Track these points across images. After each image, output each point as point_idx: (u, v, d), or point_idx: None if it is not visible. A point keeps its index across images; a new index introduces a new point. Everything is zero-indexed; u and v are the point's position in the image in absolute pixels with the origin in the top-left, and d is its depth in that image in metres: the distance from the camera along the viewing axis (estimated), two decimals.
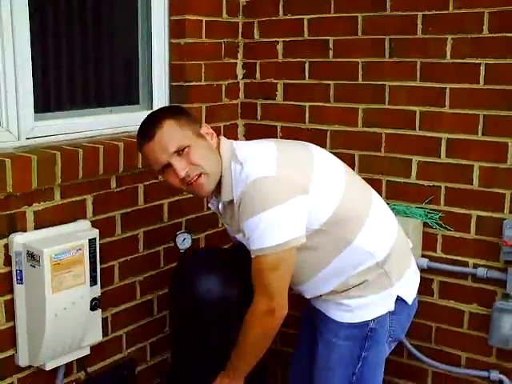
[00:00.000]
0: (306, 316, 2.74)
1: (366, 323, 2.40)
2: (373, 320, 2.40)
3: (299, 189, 2.27)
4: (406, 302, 2.46)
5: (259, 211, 2.21)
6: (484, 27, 2.83)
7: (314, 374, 2.54)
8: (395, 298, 2.42)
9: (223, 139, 2.46)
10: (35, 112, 2.73)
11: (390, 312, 2.42)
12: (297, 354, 2.82)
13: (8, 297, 2.56)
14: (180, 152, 2.30)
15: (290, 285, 2.35)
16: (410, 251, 2.58)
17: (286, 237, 2.23)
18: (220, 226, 3.43)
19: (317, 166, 2.38)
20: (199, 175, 2.32)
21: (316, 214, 2.30)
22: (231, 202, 2.36)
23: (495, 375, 3.01)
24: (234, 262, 2.61)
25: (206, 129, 2.42)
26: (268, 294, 2.29)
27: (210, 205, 2.59)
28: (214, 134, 2.44)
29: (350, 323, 2.41)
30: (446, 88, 2.96)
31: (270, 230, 2.22)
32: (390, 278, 2.40)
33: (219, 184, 2.38)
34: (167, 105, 3.27)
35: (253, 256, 2.28)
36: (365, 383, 2.46)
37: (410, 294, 2.48)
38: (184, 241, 2.80)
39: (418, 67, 3.01)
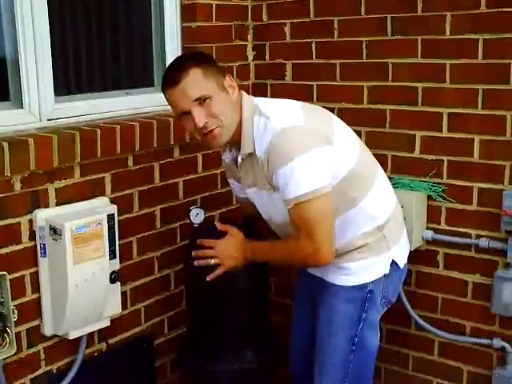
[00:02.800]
0: (300, 291, 2.83)
1: (365, 285, 2.49)
2: (371, 282, 2.50)
3: (326, 139, 2.34)
4: (398, 266, 2.56)
5: (291, 159, 2.24)
6: (481, 3, 2.88)
7: (317, 342, 2.60)
8: (390, 261, 2.53)
9: (245, 94, 2.48)
10: (55, 95, 2.82)
11: (384, 275, 2.52)
12: (296, 332, 2.87)
13: (33, 269, 2.67)
14: (201, 101, 2.33)
15: None
16: (403, 220, 2.69)
17: (321, 182, 2.28)
18: (234, 203, 3.52)
19: (336, 124, 2.49)
20: (216, 127, 2.36)
21: (336, 166, 2.36)
22: (250, 154, 2.40)
23: (498, 342, 3.07)
24: (247, 234, 2.66)
25: (229, 81, 2.43)
26: (314, 241, 2.33)
27: (223, 157, 2.64)
28: (236, 88, 2.45)
29: (350, 286, 2.50)
30: (445, 64, 3.01)
31: (304, 177, 2.26)
32: (388, 242, 2.50)
33: (237, 137, 2.42)
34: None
35: (291, 205, 2.31)
36: (365, 343, 2.55)
37: (403, 259, 2.60)
38: (197, 215, 2.84)
39: (419, 44, 3.07)
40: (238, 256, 2.57)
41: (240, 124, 2.41)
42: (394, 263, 2.54)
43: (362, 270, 2.49)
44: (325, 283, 2.55)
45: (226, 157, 2.61)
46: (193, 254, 2.66)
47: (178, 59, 2.53)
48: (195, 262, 2.64)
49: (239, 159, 2.47)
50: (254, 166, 2.41)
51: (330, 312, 2.54)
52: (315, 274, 2.61)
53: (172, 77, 2.36)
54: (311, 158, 2.27)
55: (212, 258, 2.60)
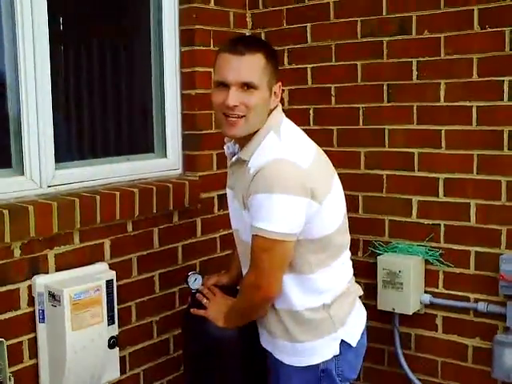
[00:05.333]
0: None
1: (315, 366, 2.37)
2: (322, 362, 2.37)
3: (317, 194, 2.23)
4: (350, 345, 2.40)
5: (275, 191, 2.15)
6: (474, 72, 2.97)
7: None
8: (339, 342, 2.38)
9: (279, 109, 2.40)
10: (56, 161, 2.87)
11: (334, 356, 2.37)
12: None
13: (31, 335, 2.67)
14: (245, 87, 2.24)
15: None
16: (356, 298, 2.53)
17: (290, 229, 2.19)
18: None
19: (335, 186, 2.38)
20: (241, 116, 2.26)
21: (314, 226, 2.26)
22: (244, 162, 2.32)
23: None
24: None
25: (277, 88, 2.35)
26: (258, 271, 2.27)
27: (225, 147, 2.56)
28: (279, 98, 2.37)
29: (300, 367, 2.39)
30: (441, 130, 3.08)
31: (278, 214, 2.18)
32: (335, 323, 2.37)
33: (248, 139, 2.33)
34: (180, 152, 3.41)
35: (254, 232, 2.22)
36: None
37: (355, 337, 2.43)
38: (195, 281, 2.82)
39: (415, 111, 3.14)
40: (218, 312, 2.54)
41: (258, 131, 2.33)
42: (344, 342, 2.38)
43: (308, 352, 2.38)
44: (276, 361, 2.45)
45: (228, 147, 2.52)
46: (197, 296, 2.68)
47: (253, 37, 2.48)
48: (191, 310, 2.65)
49: (233, 159, 2.41)
50: (241, 173, 2.34)
51: None
52: (267, 349, 2.51)
53: (238, 46, 2.26)
54: (290, 201, 2.16)
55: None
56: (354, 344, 2.42)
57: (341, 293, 2.41)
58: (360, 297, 2.58)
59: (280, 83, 2.36)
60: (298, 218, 2.21)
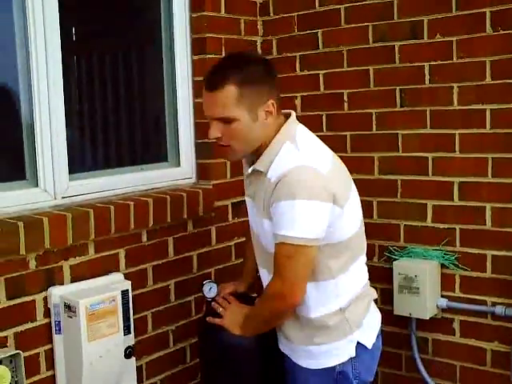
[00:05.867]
0: None
1: (332, 368, 2.38)
2: (338, 365, 2.38)
3: (339, 198, 2.24)
4: (366, 347, 2.42)
5: (298, 197, 2.16)
6: (487, 75, 2.96)
7: None
8: (355, 344, 2.39)
9: (292, 119, 2.38)
10: (69, 172, 2.88)
11: (351, 358, 2.39)
12: None
13: (48, 346, 2.69)
14: (222, 120, 2.27)
15: None
16: (371, 301, 2.53)
17: (314, 234, 2.20)
18: None
19: (353, 191, 2.40)
20: (226, 145, 2.31)
21: (335, 230, 2.27)
22: (261, 173, 2.33)
23: None
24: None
25: (268, 106, 2.29)
26: (283, 280, 2.26)
27: (244, 170, 2.56)
28: (274, 114, 2.31)
29: (317, 369, 2.40)
30: (455, 134, 3.07)
31: (301, 220, 2.18)
32: (351, 325, 2.39)
33: (260, 151, 2.33)
34: (194, 161, 3.42)
35: (278, 240, 2.22)
36: None
37: (370, 339, 2.45)
38: (210, 290, 2.83)
39: (428, 115, 3.13)
40: (234, 321, 2.52)
41: (268, 142, 2.32)
42: (360, 344, 2.40)
43: (325, 354, 2.39)
44: (294, 364, 2.47)
45: (245, 168, 2.53)
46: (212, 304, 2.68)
47: (227, 60, 2.44)
48: (207, 318, 2.64)
49: (249, 170, 2.40)
50: (260, 183, 2.34)
51: None
52: (285, 353, 2.52)
53: (210, 80, 2.29)
54: (314, 207, 2.18)
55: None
56: (369, 346, 2.43)
57: (357, 296, 2.42)
58: (375, 301, 2.57)
59: (271, 101, 2.29)
60: (321, 222, 2.22)
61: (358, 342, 2.40)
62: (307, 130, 2.43)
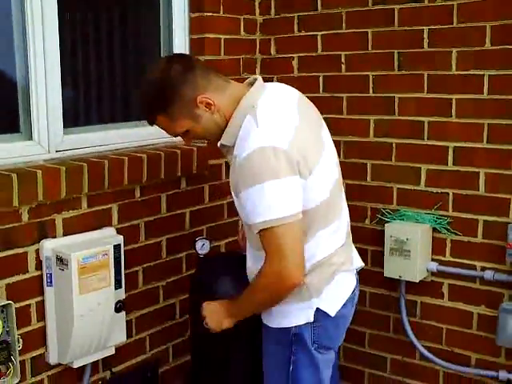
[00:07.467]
0: None
1: (287, 329, 2.38)
2: (294, 327, 2.37)
3: (303, 168, 2.19)
4: (328, 315, 2.38)
5: (265, 179, 2.13)
6: (486, 40, 2.93)
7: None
8: (314, 309, 2.36)
9: (256, 85, 2.33)
10: (64, 126, 2.87)
11: (309, 322, 2.37)
12: None
13: (39, 298, 2.70)
14: (182, 134, 2.40)
15: None
16: (336, 267, 2.42)
17: (293, 209, 2.16)
18: None
19: (322, 159, 2.32)
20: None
21: (308, 197, 2.23)
22: (229, 148, 2.32)
23: (504, 375, 3.07)
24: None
25: (201, 102, 2.28)
26: (281, 256, 2.18)
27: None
28: (212, 102, 2.28)
29: (274, 328, 2.42)
30: (451, 99, 3.06)
31: (276, 201, 2.15)
32: (310, 292, 2.35)
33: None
34: None
35: (257, 229, 2.19)
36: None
37: (334, 307, 2.40)
38: (203, 246, 2.85)
39: (426, 79, 3.12)
40: (218, 319, 2.49)
41: (229, 117, 2.32)
42: (321, 311, 2.36)
43: (282, 315, 2.39)
44: (261, 320, 2.49)
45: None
46: None
47: (141, 91, 2.42)
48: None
49: (218, 144, 2.38)
50: (231, 159, 2.31)
51: (264, 354, 2.53)
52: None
53: (144, 117, 2.42)
54: (282, 184, 2.15)
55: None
56: (332, 314, 2.39)
57: (320, 262, 2.37)
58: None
59: (200, 97, 2.27)
60: (295, 196, 2.19)
61: (319, 309, 2.37)
62: (273, 94, 2.36)
